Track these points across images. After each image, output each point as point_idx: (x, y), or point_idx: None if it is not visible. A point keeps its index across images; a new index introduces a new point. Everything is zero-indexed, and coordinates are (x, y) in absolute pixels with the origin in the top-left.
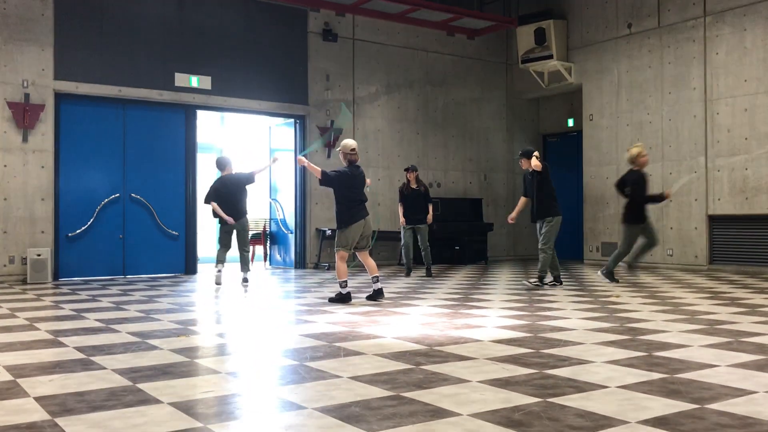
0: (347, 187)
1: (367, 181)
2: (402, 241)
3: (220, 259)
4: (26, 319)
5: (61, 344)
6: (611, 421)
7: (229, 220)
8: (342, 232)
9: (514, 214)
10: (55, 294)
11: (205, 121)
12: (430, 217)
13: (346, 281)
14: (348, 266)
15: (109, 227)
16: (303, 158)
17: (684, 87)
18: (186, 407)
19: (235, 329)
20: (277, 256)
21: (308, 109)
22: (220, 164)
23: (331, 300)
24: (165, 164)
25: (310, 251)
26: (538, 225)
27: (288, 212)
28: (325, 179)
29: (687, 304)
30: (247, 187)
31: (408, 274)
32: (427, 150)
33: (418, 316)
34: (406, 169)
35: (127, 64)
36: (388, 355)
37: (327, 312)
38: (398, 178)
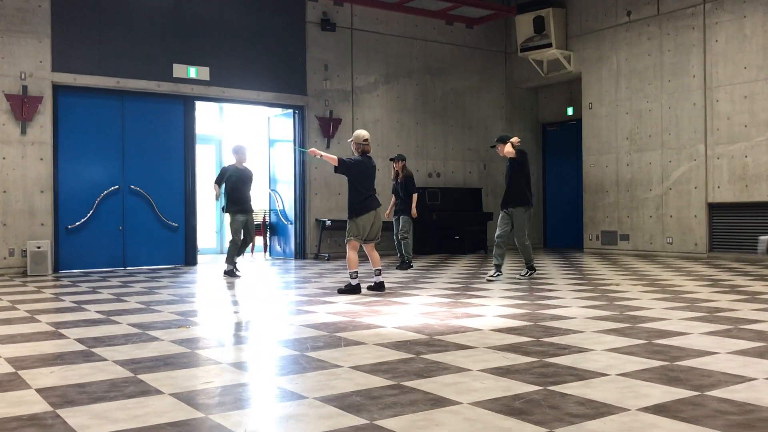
0: (363, 176)
1: None
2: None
3: (235, 258)
4: (27, 311)
5: (62, 336)
6: (611, 409)
7: (215, 194)
8: (353, 221)
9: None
10: (55, 286)
11: (204, 112)
12: (413, 208)
13: (356, 272)
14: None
15: (108, 219)
16: (316, 149)
17: (683, 74)
18: (187, 398)
19: (235, 320)
20: (277, 247)
21: (307, 100)
22: (237, 151)
23: (341, 291)
24: (164, 156)
25: (309, 242)
26: (501, 213)
27: (287, 203)
28: (342, 166)
29: (687, 291)
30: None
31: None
32: (427, 139)
33: (419, 305)
34: (392, 159)
35: (125, 56)
36: (389, 344)
37: (327, 302)
38: None
